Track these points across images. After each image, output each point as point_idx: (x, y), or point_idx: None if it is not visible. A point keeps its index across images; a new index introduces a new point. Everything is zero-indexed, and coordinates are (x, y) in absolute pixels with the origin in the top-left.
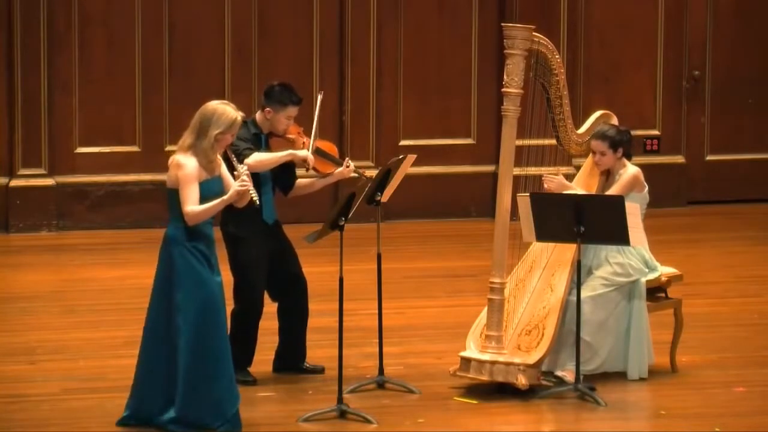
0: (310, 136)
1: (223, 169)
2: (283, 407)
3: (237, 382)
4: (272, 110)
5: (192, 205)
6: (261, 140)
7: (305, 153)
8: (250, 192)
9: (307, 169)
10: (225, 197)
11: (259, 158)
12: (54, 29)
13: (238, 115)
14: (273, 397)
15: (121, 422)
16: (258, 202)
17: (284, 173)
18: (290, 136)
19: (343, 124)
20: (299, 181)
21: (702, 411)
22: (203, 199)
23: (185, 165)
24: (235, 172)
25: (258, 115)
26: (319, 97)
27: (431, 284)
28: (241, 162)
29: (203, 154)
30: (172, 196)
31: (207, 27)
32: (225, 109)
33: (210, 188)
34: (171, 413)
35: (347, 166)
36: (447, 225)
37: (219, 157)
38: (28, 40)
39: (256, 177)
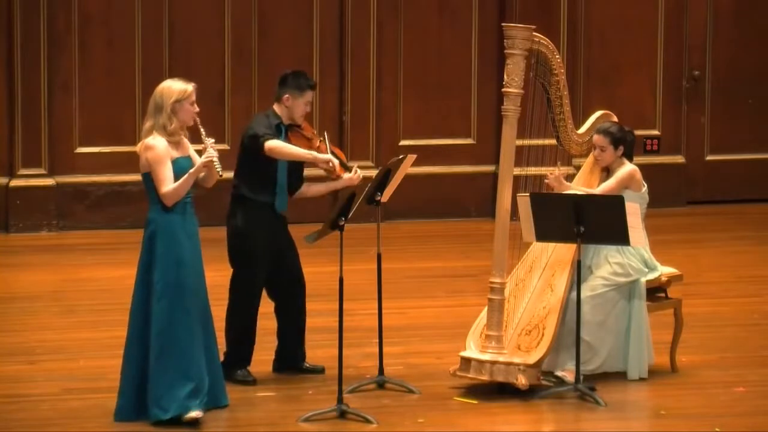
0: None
1: (192, 151)
2: (283, 407)
3: (237, 382)
4: (291, 96)
5: (167, 185)
6: (282, 130)
7: (328, 156)
8: (215, 164)
9: (331, 172)
10: (192, 170)
11: (281, 145)
12: (54, 29)
13: (190, 84)
14: (273, 397)
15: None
16: (221, 175)
17: (295, 173)
18: (307, 133)
19: (343, 124)
20: (305, 184)
21: (702, 411)
22: (176, 177)
23: (154, 145)
24: (202, 146)
25: (275, 107)
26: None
27: (431, 284)
28: (261, 145)
29: (164, 130)
30: (147, 180)
31: (207, 27)
32: (173, 82)
33: (182, 166)
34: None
35: (356, 173)
36: (447, 225)
37: (185, 140)
38: (28, 41)
39: (273, 168)
